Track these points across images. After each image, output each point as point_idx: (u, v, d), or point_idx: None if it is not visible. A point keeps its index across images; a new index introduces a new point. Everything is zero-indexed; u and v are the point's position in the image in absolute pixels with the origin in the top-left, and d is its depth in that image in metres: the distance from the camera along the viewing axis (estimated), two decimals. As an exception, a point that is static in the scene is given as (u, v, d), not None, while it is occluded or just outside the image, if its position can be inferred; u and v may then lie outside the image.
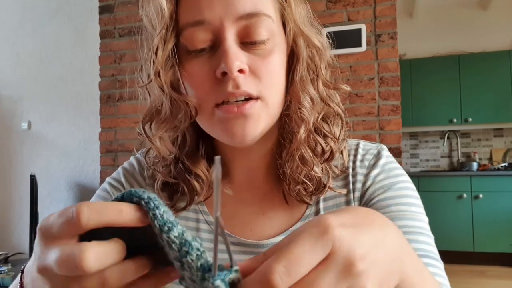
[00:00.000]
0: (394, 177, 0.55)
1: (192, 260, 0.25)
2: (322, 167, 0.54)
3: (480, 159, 4.54)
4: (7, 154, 3.24)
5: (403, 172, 0.57)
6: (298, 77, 0.51)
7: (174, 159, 0.55)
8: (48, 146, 3.13)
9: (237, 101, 0.47)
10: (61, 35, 3.13)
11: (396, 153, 2.38)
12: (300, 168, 0.53)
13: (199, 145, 0.56)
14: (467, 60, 4.27)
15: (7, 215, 3.17)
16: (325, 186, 0.54)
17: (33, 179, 2.20)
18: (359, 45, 2.44)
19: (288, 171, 0.53)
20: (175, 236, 0.26)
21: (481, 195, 3.90)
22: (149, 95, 0.54)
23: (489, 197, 3.89)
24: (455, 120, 4.30)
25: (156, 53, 0.48)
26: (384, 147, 0.59)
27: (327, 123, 0.55)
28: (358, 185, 0.56)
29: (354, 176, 0.57)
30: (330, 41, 0.56)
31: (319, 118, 0.54)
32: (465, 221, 3.93)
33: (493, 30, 4.39)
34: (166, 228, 0.26)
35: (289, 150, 0.52)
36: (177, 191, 0.57)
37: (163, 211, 0.27)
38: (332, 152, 0.54)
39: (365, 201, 0.55)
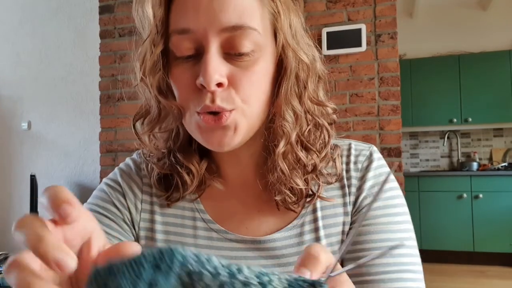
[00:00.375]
0: (385, 184, 0.56)
1: (277, 285, 0.26)
2: (307, 178, 0.55)
3: (480, 159, 4.54)
4: (7, 154, 3.24)
5: (393, 177, 0.58)
6: (283, 91, 0.51)
7: (168, 152, 0.57)
8: (48, 146, 3.13)
9: (215, 112, 0.48)
10: (61, 35, 3.14)
11: (396, 153, 2.38)
12: (281, 179, 0.53)
13: (192, 140, 0.57)
14: (467, 60, 4.27)
15: (7, 215, 3.17)
16: (313, 195, 0.55)
17: (33, 179, 2.20)
18: (359, 45, 2.44)
19: (271, 179, 0.54)
20: (248, 273, 0.26)
21: (481, 195, 3.90)
22: (143, 94, 0.55)
23: (489, 197, 3.89)
24: (455, 120, 4.30)
25: (144, 57, 0.50)
26: (375, 148, 0.60)
27: (314, 134, 0.56)
28: (353, 189, 0.57)
29: (348, 179, 0.57)
30: (322, 56, 0.56)
31: (306, 131, 0.54)
32: (465, 221, 3.94)
33: (493, 30, 4.39)
34: (235, 270, 0.26)
35: (271, 161, 0.53)
36: (171, 185, 0.58)
37: (217, 258, 0.26)
38: (315, 166, 0.54)
39: (357, 207, 0.56)
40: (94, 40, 2.95)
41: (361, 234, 0.53)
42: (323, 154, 0.55)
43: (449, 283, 3.43)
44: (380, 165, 0.58)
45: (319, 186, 0.55)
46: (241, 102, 0.49)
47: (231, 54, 0.48)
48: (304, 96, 0.53)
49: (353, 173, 0.57)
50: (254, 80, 0.49)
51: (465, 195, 3.94)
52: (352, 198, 0.56)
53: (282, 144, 0.52)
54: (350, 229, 0.56)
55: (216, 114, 0.48)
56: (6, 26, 3.28)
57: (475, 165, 4.33)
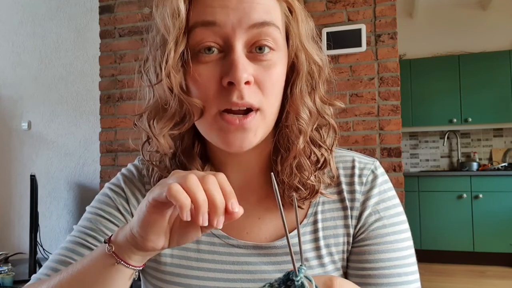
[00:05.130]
0: (388, 200, 0.58)
1: None
2: (315, 175, 0.56)
3: (480, 159, 4.54)
4: (7, 154, 3.24)
5: (394, 193, 0.60)
6: (298, 91, 0.53)
7: (172, 155, 0.57)
8: (48, 146, 3.13)
9: (239, 110, 0.48)
10: (61, 35, 3.13)
11: (396, 153, 2.38)
12: (296, 175, 0.55)
13: (195, 144, 0.57)
14: (467, 60, 4.27)
15: (7, 215, 3.17)
16: (317, 191, 0.56)
17: (33, 179, 2.20)
18: (359, 45, 2.44)
19: (286, 179, 0.55)
20: None
21: (481, 195, 3.90)
22: (153, 92, 0.54)
23: (489, 197, 3.89)
24: (455, 120, 4.30)
25: (168, 55, 0.48)
26: (378, 163, 0.61)
27: (319, 132, 0.57)
28: (357, 204, 0.57)
29: (352, 192, 0.58)
30: (329, 59, 0.57)
31: (313, 128, 0.56)
32: (465, 221, 3.93)
33: (493, 30, 4.39)
34: None
35: (287, 158, 0.54)
36: None
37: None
38: (325, 161, 0.56)
39: (362, 224, 0.57)
40: (94, 40, 2.95)
41: (369, 253, 0.55)
42: (333, 150, 0.57)
43: (449, 283, 3.43)
44: (384, 181, 0.59)
45: (320, 183, 0.57)
46: (264, 101, 0.50)
47: (253, 53, 0.49)
48: (316, 96, 0.55)
49: (357, 187, 0.58)
50: (274, 81, 0.50)
51: (465, 195, 3.94)
52: (356, 212, 0.57)
53: (301, 141, 0.53)
54: (353, 246, 0.57)
55: (239, 115, 0.49)
56: (6, 26, 3.28)
57: (475, 165, 4.33)
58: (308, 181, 0.55)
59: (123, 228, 0.46)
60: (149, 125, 0.54)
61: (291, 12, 0.52)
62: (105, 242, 0.46)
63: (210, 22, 0.47)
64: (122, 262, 0.44)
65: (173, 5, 0.48)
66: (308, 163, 0.55)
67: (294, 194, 0.55)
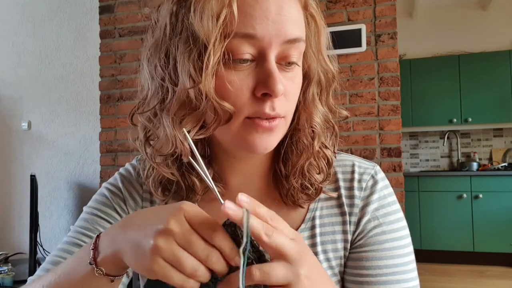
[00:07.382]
0: (388, 206, 0.57)
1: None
2: (323, 173, 0.57)
3: (480, 159, 4.54)
4: (7, 154, 3.24)
5: (395, 198, 0.59)
6: (311, 96, 0.54)
7: (176, 157, 0.55)
8: (48, 146, 3.13)
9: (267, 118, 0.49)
10: (61, 35, 3.13)
11: (396, 153, 2.38)
12: (305, 176, 0.55)
13: (197, 144, 0.56)
14: (467, 60, 4.27)
15: (7, 215, 3.17)
16: (321, 189, 0.56)
17: (33, 179, 2.20)
18: (359, 45, 2.44)
19: (293, 180, 0.55)
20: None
21: (481, 195, 3.90)
22: (173, 93, 0.51)
23: (489, 197, 3.89)
24: (455, 120, 4.30)
25: (208, 60, 0.46)
26: (379, 168, 0.61)
27: (328, 133, 0.58)
28: (356, 210, 0.57)
29: (351, 197, 0.58)
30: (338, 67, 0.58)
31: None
32: (465, 221, 3.93)
33: (493, 30, 4.39)
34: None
35: (298, 160, 0.55)
36: (170, 188, 0.56)
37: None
38: (328, 161, 0.57)
39: (360, 230, 0.56)
40: (94, 40, 2.95)
41: (367, 259, 0.55)
42: (336, 152, 0.58)
43: (449, 283, 3.43)
44: (384, 186, 0.58)
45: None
46: (289, 109, 0.51)
47: (281, 64, 0.49)
48: (326, 101, 0.56)
49: (356, 192, 0.57)
50: (297, 90, 0.51)
51: (465, 195, 3.94)
52: (354, 218, 0.57)
53: (316, 143, 0.54)
54: (350, 252, 0.57)
55: (268, 119, 0.49)
56: (6, 26, 3.28)
57: (475, 165, 4.33)
58: (315, 182, 0.55)
59: (107, 235, 0.43)
60: (173, 126, 0.50)
61: (308, 19, 0.52)
62: (92, 249, 0.43)
63: (251, 35, 0.46)
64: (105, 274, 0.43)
65: (214, 9, 0.46)
66: (320, 163, 0.56)
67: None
